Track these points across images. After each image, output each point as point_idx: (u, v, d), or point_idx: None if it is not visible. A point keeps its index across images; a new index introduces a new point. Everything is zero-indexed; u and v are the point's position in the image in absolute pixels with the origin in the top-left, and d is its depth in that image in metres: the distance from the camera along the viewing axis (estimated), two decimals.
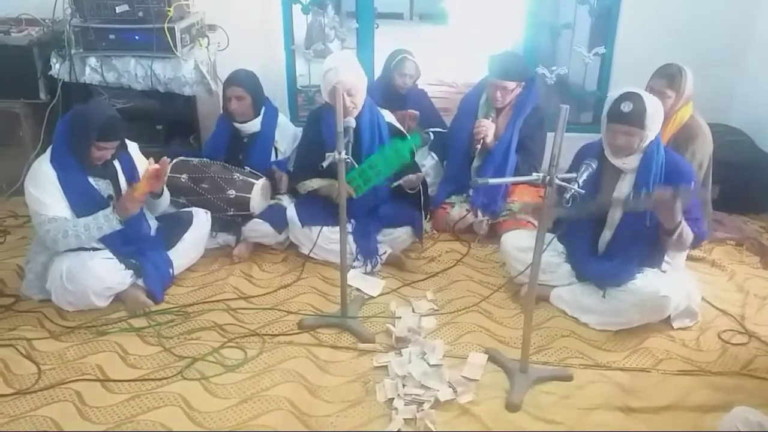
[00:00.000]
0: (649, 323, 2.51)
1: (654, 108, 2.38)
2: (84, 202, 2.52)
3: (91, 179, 2.55)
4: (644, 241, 2.47)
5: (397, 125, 3.10)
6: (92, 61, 3.31)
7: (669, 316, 2.52)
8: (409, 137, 2.96)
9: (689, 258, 2.99)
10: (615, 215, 2.52)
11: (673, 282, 2.46)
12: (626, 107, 2.33)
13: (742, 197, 3.46)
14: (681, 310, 2.53)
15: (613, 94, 2.42)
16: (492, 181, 2.13)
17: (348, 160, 2.32)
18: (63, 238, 2.46)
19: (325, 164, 2.32)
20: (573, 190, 2.06)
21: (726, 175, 3.28)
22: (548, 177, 1.96)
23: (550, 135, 3.23)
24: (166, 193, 2.82)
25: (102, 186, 2.59)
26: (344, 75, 2.80)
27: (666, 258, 2.54)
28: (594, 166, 2.23)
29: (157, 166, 2.55)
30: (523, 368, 2.24)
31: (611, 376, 2.30)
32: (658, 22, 3.70)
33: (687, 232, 2.33)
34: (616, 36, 3.81)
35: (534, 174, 2.00)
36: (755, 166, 3.52)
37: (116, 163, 2.63)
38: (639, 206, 2.31)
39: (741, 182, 3.44)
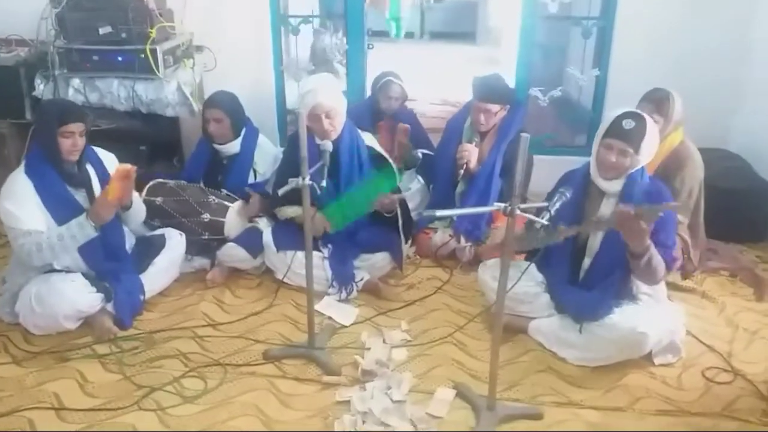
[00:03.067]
0: (630, 359, 2.40)
1: (653, 135, 2.35)
2: (64, 209, 2.49)
3: (68, 188, 2.52)
4: (623, 271, 2.36)
5: (379, 149, 3.04)
6: (76, 81, 3.32)
7: (651, 352, 2.40)
8: (391, 167, 2.89)
9: (679, 289, 2.89)
10: (595, 242, 2.44)
11: (653, 317, 2.34)
12: (628, 124, 2.30)
13: (739, 225, 3.32)
14: (663, 346, 2.41)
15: (615, 112, 2.38)
16: (439, 213, 2.05)
17: (310, 184, 2.25)
18: (38, 251, 2.43)
19: (281, 191, 2.25)
20: (542, 222, 2.01)
21: (723, 202, 3.16)
22: (509, 207, 1.89)
23: (537, 158, 3.21)
24: (139, 205, 2.77)
25: (79, 198, 2.56)
26: (323, 97, 2.76)
27: (646, 290, 2.43)
28: (568, 195, 2.22)
29: (127, 165, 2.50)
30: (490, 405, 2.14)
31: (584, 414, 2.19)
32: (654, 46, 3.62)
33: (657, 260, 2.23)
34: (611, 58, 3.74)
35: (495, 204, 1.93)
36: (753, 192, 3.38)
37: (90, 169, 2.60)
38: (602, 226, 2.26)
39: (738, 209, 3.30)
